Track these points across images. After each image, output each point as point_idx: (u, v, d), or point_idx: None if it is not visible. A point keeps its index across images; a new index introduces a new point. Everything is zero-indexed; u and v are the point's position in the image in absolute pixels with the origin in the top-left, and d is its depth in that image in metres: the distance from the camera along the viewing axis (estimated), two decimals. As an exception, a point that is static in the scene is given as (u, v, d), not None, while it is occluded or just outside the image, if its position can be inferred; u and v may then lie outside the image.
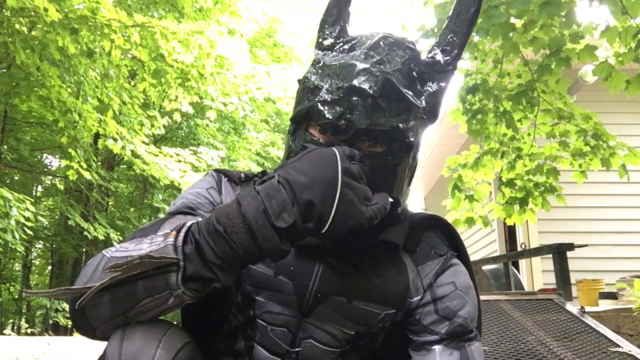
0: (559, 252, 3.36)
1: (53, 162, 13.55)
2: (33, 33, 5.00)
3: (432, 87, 0.84)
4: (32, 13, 4.40)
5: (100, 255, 0.74)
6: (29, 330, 12.83)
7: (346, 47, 0.86)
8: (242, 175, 0.92)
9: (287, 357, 0.84)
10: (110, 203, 12.31)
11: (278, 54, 10.85)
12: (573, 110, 3.56)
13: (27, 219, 5.69)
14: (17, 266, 16.25)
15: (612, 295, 3.65)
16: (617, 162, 3.44)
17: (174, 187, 8.03)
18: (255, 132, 11.10)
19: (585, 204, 4.95)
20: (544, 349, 1.97)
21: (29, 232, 6.18)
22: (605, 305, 3.51)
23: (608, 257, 4.82)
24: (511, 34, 2.81)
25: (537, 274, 4.82)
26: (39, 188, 13.93)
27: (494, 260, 4.30)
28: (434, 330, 0.85)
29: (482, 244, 6.50)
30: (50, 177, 12.07)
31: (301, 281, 0.82)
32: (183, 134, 11.27)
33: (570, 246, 3.34)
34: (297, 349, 0.84)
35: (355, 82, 0.77)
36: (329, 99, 0.78)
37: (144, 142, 6.58)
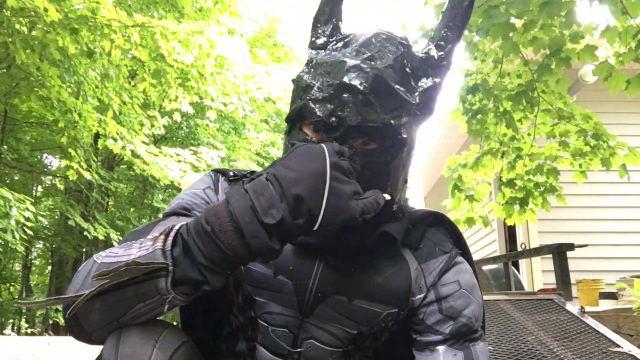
0: (559, 252, 3.36)
1: (53, 162, 13.57)
2: (33, 33, 5.00)
3: (426, 82, 0.83)
4: (32, 13, 4.40)
5: (91, 261, 0.73)
6: (29, 330, 12.84)
7: (339, 45, 0.85)
8: (231, 173, 0.91)
9: (289, 357, 0.83)
10: (110, 203, 12.31)
11: (278, 54, 10.86)
12: (573, 110, 3.56)
13: (27, 219, 5.69)
14: (17, 266, 16.26)
15: (612, 295, 3.65)
16: (617, 162, 3.44)
17: (174, 187, 8.04)
18: (255, 132, 11.10)
19: (585, 204, 4.95)
20: (544, 349, 1.97)
21: (29, 232, 6.17)
22: (605, 305, 3.51)
23: (608, 257, 4.82)
24: (511, 34, 2.81)
25: (537, 274, 4.82)
26: (39, 188, 13.93)
27: (494, 260, 4.30)
28: (438, 330, 0.84)
29: (482, 244, 6.50)
30: (50, 177, 12.06)
31: (301, 281, 0.81)
32: (183, 134, 11.27)
33: (570, 246, 3.34)
34: (298, 350, 0.83)
35: (346, 79, 0.76)
36: (320, 97, 0.77)
37: (144, 142, 6.58)
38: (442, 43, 0.85)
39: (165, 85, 6.19)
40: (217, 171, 0.94)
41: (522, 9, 2.62)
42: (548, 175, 3.63)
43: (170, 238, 0.68)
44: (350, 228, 0.82)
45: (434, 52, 0.84)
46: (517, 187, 3.70)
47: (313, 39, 0.88)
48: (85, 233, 9.07)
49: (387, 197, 0.81)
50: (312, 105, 0.78)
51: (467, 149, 4.03)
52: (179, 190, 7.62)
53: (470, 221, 3.92)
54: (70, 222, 9.28)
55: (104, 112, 5.92)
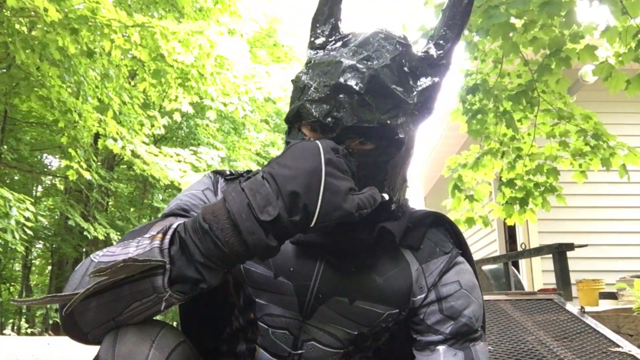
0: (559, 252, 3.36)
1: (53, 162, 13.57)
2: (33, 33, 5.00)
3: (425, 82, 0.82)
4: (32, 13, 4.40)
5: (88, 260, 0.73)
6: (29, 330, 12.84)
7: (338, 44, 0.85)
8: (228, 172, 0.91)
9: (289, 359, 0.83)
10: (110, 203, 12.31)
11: (278, 54, 10.86)
12: (573, 110, 3.56)
13: (27, 219, 5.69)
14: (17, 266, 16.26)
15: (612, 295, 3.65)
16: (617, 162, 3.44)
17: (174, 187, 8.03)
18: (255, 132, 11.10)
19: (585, 204, 4.95)
20: (544, 349, 1.97)
21: (29, 232, 6.17)
22: (605, 305, 3.51)
23: (608, 257, 4.82)
24: (511, 34, 2.81)
25: (537, 274, 4.82)
26: (39, 188, 13.92)
27: (494, 260, 4.30)
28: (438, 330, 0.84)
29: (482, 244, 6.50)
30: (50, 177, 12.06)
31: (301, 282, 0.81)
32: (183, 134, 11.27)
33: (570, 246, 3.34)
34: (299, 351, 0.83)
35: (342, 80, 0.76)
36: (317, 98, 0.77)
37: (144, 142, 6.58)
38: (441, 42, 0.84)
39: (165, 85, 6.19)
40: (216, 172, 0.94)
41: (522, 9, 2.62)
42: (548, 175, 3.63)
43: (168, 236, 0.68)
44: (349, 226, 0.81)
45: (433, 51, 0.84)
46: (517, 187, 3.70)
47: (312, 39, 0.88)
48: (85, 233, 9.07)
49: (386, 196, 0.81)
50: (308, 105, 0.78)
51: (467, 149, 4.03)
52: (179, 190, 7.62)
53: (470, 221, 3.92)
54: (70, 222, 9.28)
55: (104, 112, 5.92)
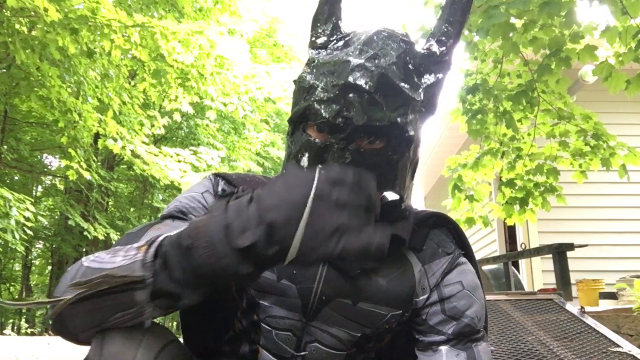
0: (559, 252, 3.36)
1: (53, 162, 13.56)
2: (33, 33, 5.00)
3: (429, 79, 0.82)
4: (32, 13, 4.40)
5: (79, 263, 0.73)
6: (29, 330, 12.84)
7: (340, 44, 0.84)
8: (234, 177, 0.90)
9: None
10: (110, 203, 12.31)
11: (278, 54, 10.87)
12: (573, 110, 3.56)
13: (27, 219, 5.69)
14: (17, 266, 16.27)
15: (612, 295, 3.65)
16: (617, 162, 3.44)
17: (174, 187, 8.04)
18: (255, 132, 11.10)
19: (585, 204, 4.95)
20: (544, 349, 1.97)
21: (29, 232, 6.18)
22: (605, 305, 3.51)
23: (608, 257, 4.82)
24: (511, 34, 2.81)
25: (537, 274, 4.82)
26: (39, 188, 13.93)
27: (494, 260, 4.30)
28: (440, 331, 0.84)
29: (482, 244, 6.50)
30: (50, 177, 12.06)
31: (305, 284, 0.81)
32: (183, 134, 11.28)
33: (570, 246, 3.34)
34: (302, 353, 0.83)
35: (351, 79, 0.75)
36: (325, 98, 0.76)
37: (144, 142, 6.59)
38: (443, 38, 0.84)
39: (165, 85, 6.19)
40: (217, 175, 0.93)
41: (522, 9, 2.62)
42: (548, 175, 3.63)
43: (152, 249, 0.66)
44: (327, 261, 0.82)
45: (435, 48, 0.83)
46: (517, 187, 3.70)
47: (313, 38, 0.87)
48: (85, 233, 9.07)
49: (396, 196, 0.81)
50: (317, 106, 0.76)
51: (467, 149, 4.03)
52: (179, 190, 7.63)
53: (470, 221, 3.92)
54: (70, 222, 9.29)
55: (104, 112, 5.92)
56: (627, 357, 1.88)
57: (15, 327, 15.04)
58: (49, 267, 14.98)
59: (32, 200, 6.36)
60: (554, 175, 3.61)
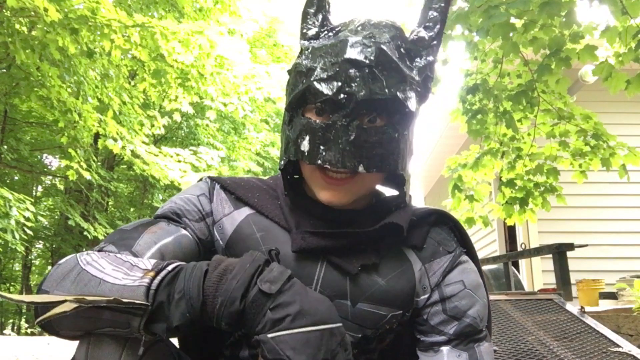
0: (559, 252, 3.36)
1: (53, 162, 13.56)
2: (33, 33, 5.00)
3: (420, 62, 0.83)
4: (32, 13, 4.40)
5: (74, 260, 0.72)
6: (29, 330, 12.84)
7: (331, 34, 0.85)
8: (228, 182, 0.91)
9: None
10: (110, 203, 12.31)
11: (278, 54, 10.86)
12: (573, 110, 3.56)
13: (27, 219, 5.69)
14: (17, 266, 16.26)
15: (612, 295, 3.65)
16: (617, 162, 3.44)
17: (174, 187, 8.03)
18: (255, 132, 11.10)
19: (585, 204, 4.95)
20: (544, 349, 1.97)
21: (29, 232, 6.18)
22: (605, 305, 3.51)
23: (608, 257, 4.82)
24: (511, 34, 2.81)
25: (537, 274, 4.82)
26: (39, 188, 13.93)
27: (494, 260, 4.30)
28: (442, 331, 0.83)
29: (482, 244, 6.50)
30: (50, 177, 12.06)
31: None
32: (183, 134, 11.27)
33: (570, 246, 3.33)
34: None
35: (350, 54, 0.75)
36: (325, 76, 0.76)
37: (144, 142, 6.58)
38: (430, 24, 0.85)
39: (165, 85, 6.19)
40: (212, 179, 0.93)
41: (522, 9, 2.62)
42: (548, 175, 3.63)
43: (159, 278, 0.67)
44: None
45: (423, 34, 0.84)
46: (517, 187, 3.70)
47: (304, 30, 0.87)
48: (85, 233, 9.07)
49: (394, 192, 0.81)
50: (317, 85, 0.76)
51: (467, 149, 4.03)
52: (179, 190, 7.62)
53: (470, 221, 3.92)
54: (70, 222, 9.28)
55: (104, 112, 5.92)
56: (627, 357, 1.88)
57: (15, 327, 15.04)
58: (49, 267, 14.96)
59: (32, 200, 6.37)
60: (554, 175, 3.61)
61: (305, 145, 0.77)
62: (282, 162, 0.83)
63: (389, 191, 0.93)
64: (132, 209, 12.20)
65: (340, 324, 0.67)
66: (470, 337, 0.83)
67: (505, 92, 3.47)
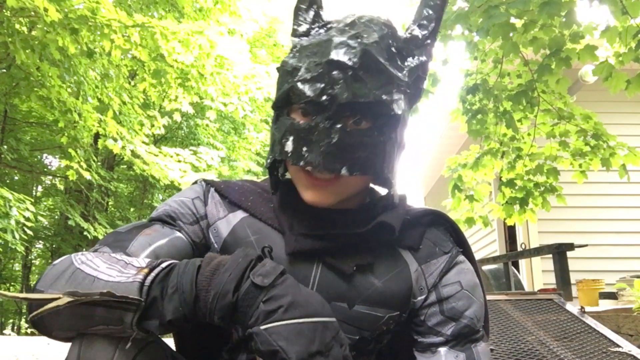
0: (559, 252, 3.36)
1: (53, 162, 13.57)
2: (33, 33, 5.00)
3: (412, 62, 0.81)
4: (32, 13, 4.40)
5: (69, 260, 0.72)
6: (29, 330, 12.83)
7: (322, 30, 0.84)
8: (222, 186, 0.91)
9: None
10: (110, 203, 12.31)
11: (278, 54, 10.85)
12: (573, 110, 3.56)
13: (27, 219, 5.68)
14: (17, 266, 16.26)
15: (612, 295, 3.65)
16: (617, 162, 3.44)
17: (174, 187, 8.03)
18: (255, 132, 11.10)
19: (585, 204, 4.95)
20: (544, 349, 1.97)
21: (29, 232, 6.17)
22: (605, 305, 3.51)
23: (608, 257, 4.82)
24: (511, 34, 2.81)
25: (537, 274, 4.82)
26: (39, 188, 13.93)
27: (494, 260, 4.30)
28: (439, 332, 0.83)
29: (482, 244, 6.50)
30: (50, 177, 12.05)
31: None
32: (183, 134, 11.27)
33: (570, 246, 3.34)
34: None
35: (334, 56, 0.74)
36: (309, 77, 0.75)
37: (144, 142, 6.58)
38: (424, 22, 0.84)
39: (165, 85, 6.19)
40: (207, 182, 0.93)
41: (522, 9, 2.62)
42: (548, 175, 3.63)
43: (153, 275, 0.67)
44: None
45: (417, 32, 0.83)
46: (517, 187, 3.70)
47: (295, 26, 0.87)
48: (85, 233, 9.07)
49: (384, 190, 0.80)
50: (300, 86, 0.75)
51: (467, 149, 4.03)
52: (179, 190, 7.60)
53: (470, 221, 3.92)
54: (70, 222, 9.28)
55: (104, 112, 5.92)
56: (627, 357, 1.88)
57: (15, 327, 15.04)
58: (49, 267, 14.93)
59: (32, 200, 6.36)
60: (554, 175, 3.61)
61: (289, 146, 0.76)
62: (268, 161, 0.82)
63: (383, 190, 0.93)
64: (132, 209, 12.21)
65: (334, 319, 0.66)
66: (468, 337, 0.83)
67: (505, 92, 3.47)
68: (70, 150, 5.82)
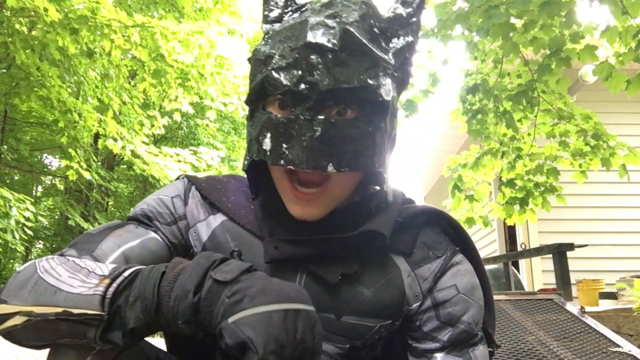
0: (559, 252, 3.36)
1: (53, 162, 13.57)
2: (33, 33, 4.99)
3: (397, 43, 0.74)
4: (32, 13, 4.40)
5: (33, 267, 0.68)
6: (29, 330, 12.82)
7: (295, 15, 0.75)
8: (203, 185, 0.85)
9: None
10: (110, 203, 12.31)
11: (278, 54, 10.83)
12: (573, 110, 3.56)
13: (27, 219, 5.68)
14: (17, 266, 16.26)
15: (612, 295, 3.65)
16: (617, 162, 3.44)
17: (174, 187, 8.01)
18: (255, 132, 11.07)
19: (585, 204, 4.95)
20: (544, 349, 1.97)
21: (29, 232, 6.17)
22: (605, 305, 3.51)
23: (608, 257, 4.82)
24: (511, 34, 2.81)
25: (537, 274, 4.82)
26: (39, 188, 13.93)
27: (494, 260, 4.30)
28: (435, 337, 0.78)
29: (482, 244, 6.50)
30: (50, 177, 12.06)
31: None
32: (183, 134, 11.27)
33: (570, 246, 3.34)
34: None
35: (310, 38, 0.65)
36: (284, 64, 0.66)
37: (144, 142, 6.58)
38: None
39: (165, 85, 6.18)
40: (189, 179, 0.88)
41: (522, 9, 2.62)
42: (548, 175, 3.63)
43: (114, 286, 0.62)
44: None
45: (401, 10, 0.75)
46: (517, 187, 3.70)
47: (266, 12, 0.79)
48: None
49: (376, 188, 0.75)
50: (275, 75, 0.66)
51: (467, 149, 4.03)
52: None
53: (470, 221, 3.92)
54: (70, 222, 9.28)
55: (104, 112, 5.91)
56: (627, 357, 1.88)
57: (15, 327, 14.99)
58: (49, 267, 14.94)
59: (32, 200, 6.36)
60: (554, 175, 3.62)
61: (267, 144, 0.67)
62: (246, 163, 0.74)
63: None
64: (132, 209, 12.20)
65: (312, 308, 0.59)
66: (465, 342, 0.79)
67: (505, 92, 3.47)
68: (70, 150, 5.82)
